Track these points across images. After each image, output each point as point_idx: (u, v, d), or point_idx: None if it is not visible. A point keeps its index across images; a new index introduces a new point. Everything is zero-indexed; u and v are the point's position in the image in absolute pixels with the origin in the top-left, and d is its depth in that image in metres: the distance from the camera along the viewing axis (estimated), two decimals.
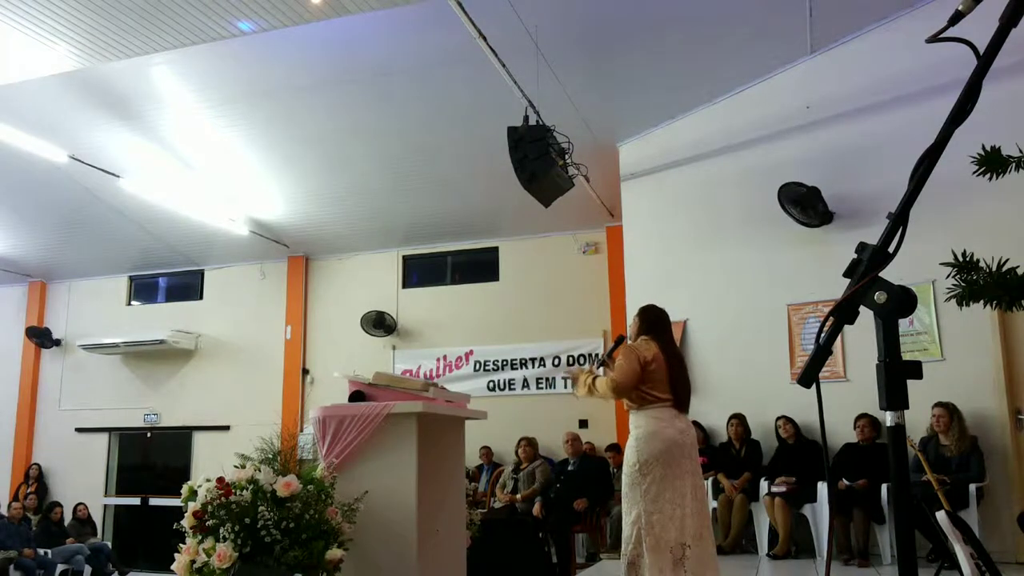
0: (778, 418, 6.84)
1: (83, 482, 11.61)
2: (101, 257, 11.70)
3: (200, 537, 2.83)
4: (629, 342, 4.26)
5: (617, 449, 8.47)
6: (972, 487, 5.78)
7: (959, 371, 6.12)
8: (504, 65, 6.22)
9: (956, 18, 1.56)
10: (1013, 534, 5.65)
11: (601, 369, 4.37)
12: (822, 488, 6.40)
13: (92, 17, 6.28)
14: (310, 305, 11.28)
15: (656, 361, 3.99)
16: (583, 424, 9.48)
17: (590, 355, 9.68)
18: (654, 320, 4.23)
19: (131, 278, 12.31)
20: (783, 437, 6.83)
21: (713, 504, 6.89)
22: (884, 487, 6.09)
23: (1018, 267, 2.16)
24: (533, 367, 9.95)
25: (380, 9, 6.34)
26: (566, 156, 6.60)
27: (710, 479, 6.99)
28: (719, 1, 6.68)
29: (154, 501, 11.44)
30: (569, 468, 8.11)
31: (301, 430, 10.00)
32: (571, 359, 9.84)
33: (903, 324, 1.66)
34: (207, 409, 11.29)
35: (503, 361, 10.11)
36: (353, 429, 3.24)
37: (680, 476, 3.86)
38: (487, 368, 10.17)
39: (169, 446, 11.77)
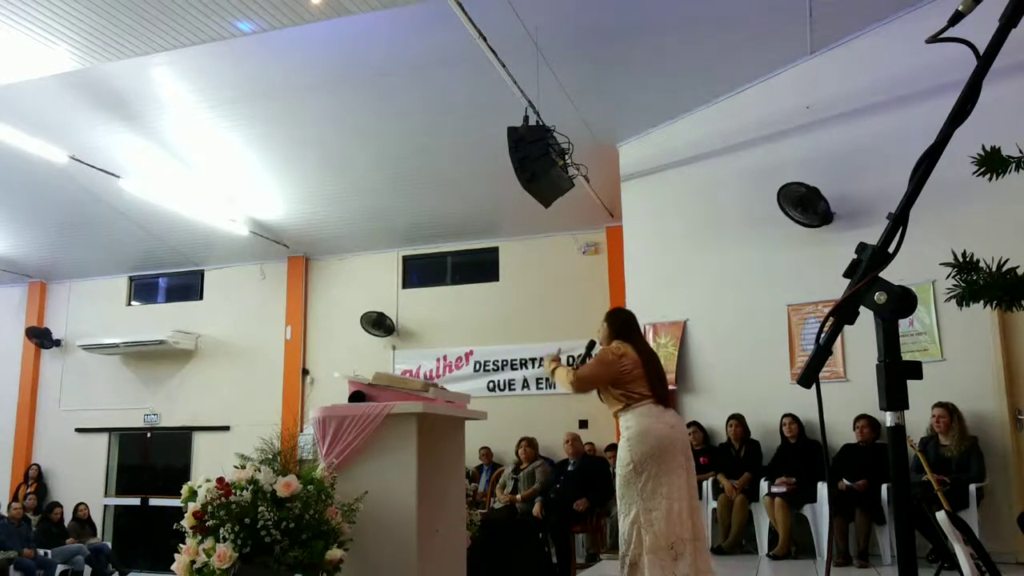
0: (784, 416, 6.83)
1: (83, 482, 11.61)
2: (101, 257, 11.70)
3: (200, 537, 2.83)
4: (599, 347, 4.31)
5: (616, 449, 8.47)
6: (972, 487, 5.78)
7: (959, 371, 6.11)
8: (504, 65, 6.22)
9: (956, 18, 1.56)
10: (1013, 534, 5.64)
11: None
12: (822, 488, 6.40)
13: (92, 17, 6.28)
14: (310, 305, 11.28)
15: (632, 361, 4.02)
16: (583, 424, 9.47)
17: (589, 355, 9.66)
18: (622, 323, 4.29)
19: (131, 278, 12.32)
20: (786, 435, 6.83)
21: (713, 504, 6.90)
22: (884, 487, 6.09)
23: (1018, 267, 2.16)
24: (533, 367, 9.94)
25: (380, 9, 6.34)
26: (566, 156, 6.59)
27: (710, 479, 7.00)
28: (719, 1, 6.67)
29: (154, 501, 11.44)
30: (569, 468, 8.11)
31: (301, 430, 10.00)
32: (571, 359, 9.82)
33: (903, 324, 1.66)
34: (207, 409, 11.29)
35: (503, 361, 10.11)
36: (353, 429, 3.24)
37: (674, 471, 3.86)
38: (487, 368, 10.17)
39: (169, 446, 11.78)
